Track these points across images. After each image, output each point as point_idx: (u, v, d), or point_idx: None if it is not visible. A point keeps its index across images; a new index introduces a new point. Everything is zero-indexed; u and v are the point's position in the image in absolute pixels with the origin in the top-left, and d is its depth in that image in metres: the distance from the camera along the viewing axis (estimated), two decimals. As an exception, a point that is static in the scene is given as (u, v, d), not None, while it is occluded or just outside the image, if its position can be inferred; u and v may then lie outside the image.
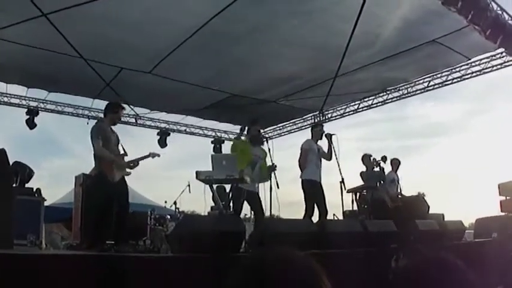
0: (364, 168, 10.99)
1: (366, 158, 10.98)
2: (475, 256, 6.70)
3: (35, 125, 13.23)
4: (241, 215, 8.43)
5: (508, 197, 10.46)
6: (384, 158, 10.95)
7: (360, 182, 10.76)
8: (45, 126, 22.94)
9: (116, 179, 6.94)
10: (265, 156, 8.64)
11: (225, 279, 1.25)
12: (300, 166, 9.04)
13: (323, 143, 9.24)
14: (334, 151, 8.98)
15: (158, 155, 8.00)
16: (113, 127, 7.45)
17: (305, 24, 8.84)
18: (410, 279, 1.55)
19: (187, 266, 4.45)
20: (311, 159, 8.97)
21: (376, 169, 10.89)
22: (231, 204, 8.21)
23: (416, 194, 11.19)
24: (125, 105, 11.77)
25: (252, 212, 8.59)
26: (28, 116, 13.11)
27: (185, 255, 4.72)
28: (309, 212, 8.64)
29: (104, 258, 4.47)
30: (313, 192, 8.79)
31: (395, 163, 11.49)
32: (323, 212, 8.69)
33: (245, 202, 8.40)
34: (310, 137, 9.34)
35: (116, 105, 7.63)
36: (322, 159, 9.12)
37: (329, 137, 9.05)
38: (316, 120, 14.67)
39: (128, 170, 7.29)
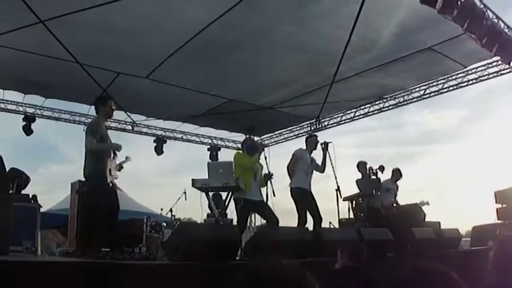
0: (359, 176, 10.94)
1: (361, 165, 10.92)
2: (470, 264, 6.70)
3: (32, 132, 13.19)
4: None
5: (504, 205, 10.44)
6: (382, 168, 10.90)
7: (356, 190, 10.74)
8: (41, 133, 22.91)
9: (109, 179, 6.74)
10: (261, 167, 8.65)
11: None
12: (288, 172, 9.01)
13: (317, 154, 9.24)
14: (330, 159, 8.97)
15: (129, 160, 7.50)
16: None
17: (301, 31, 8.85)
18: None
19: (183, 274, 4.45)
20: (301, 167, 8.93)
21: (372, 177, 10.83)
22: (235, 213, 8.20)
23: (417, 202, 11.13)
24: (121, 112, 11.76)
25: (265, 220, 8.53)
26: (25, 123, 13.08)
27: (181, 262, 4.72)
28: (302, 220, 8.59)
29: (99, 265, 4.46)
30: (302, 199, 8.74)
31: (396, 174, 11.39)
32: (317, 219, 8.61)
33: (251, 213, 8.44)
34: (304, 147, 9.32)
35: (103, 98, 7.50)
36: (315, 171, 9.12)
37: (325, 145, 9.03)
38: (312, 128, 14.68)
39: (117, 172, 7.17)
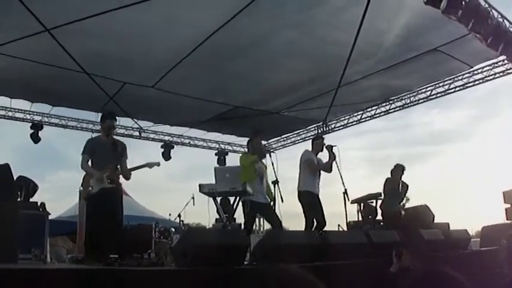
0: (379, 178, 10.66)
1: (398, 168, 10.62)
2: (481, 265, 6.67)
3: (40, 139, 13.25)
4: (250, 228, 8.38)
5: (513, 205, 10.38)
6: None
7: (362, 192, 10.65)
8: (49, 140, 22.99)
9: (92, 191, 6.80)
10: (265, 167, 8.62)
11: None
12: (300, 178, 8.97)
13: (323, 155, 9.19)
14: (336, 162, 8.90)
15: (157, 164, 7.40)
16: (115, 138, 7.35)
17: (305, 36, 8.84)
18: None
19: (191, 279, 4.45)
20: (313, 170, 8.91)
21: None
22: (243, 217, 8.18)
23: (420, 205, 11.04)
24: (128, 119, 11.78)
25: (269, 223, 8.54)
26: (32, 130, 13.15)
27: (188, 268, 4.72)
28: (309, 225, 8.56)
29: (107, 272, 4.47)
30: (312, 203, 8.72)
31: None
32: (321, 224, 8.57)
33: (257, 215, 8.42)
34: (310, 149, 9.27)
35: (102, 116, 7.43)
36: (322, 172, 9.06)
37: (330, 148, 8.95)
38: (319, 131, 14.64)
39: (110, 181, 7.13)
